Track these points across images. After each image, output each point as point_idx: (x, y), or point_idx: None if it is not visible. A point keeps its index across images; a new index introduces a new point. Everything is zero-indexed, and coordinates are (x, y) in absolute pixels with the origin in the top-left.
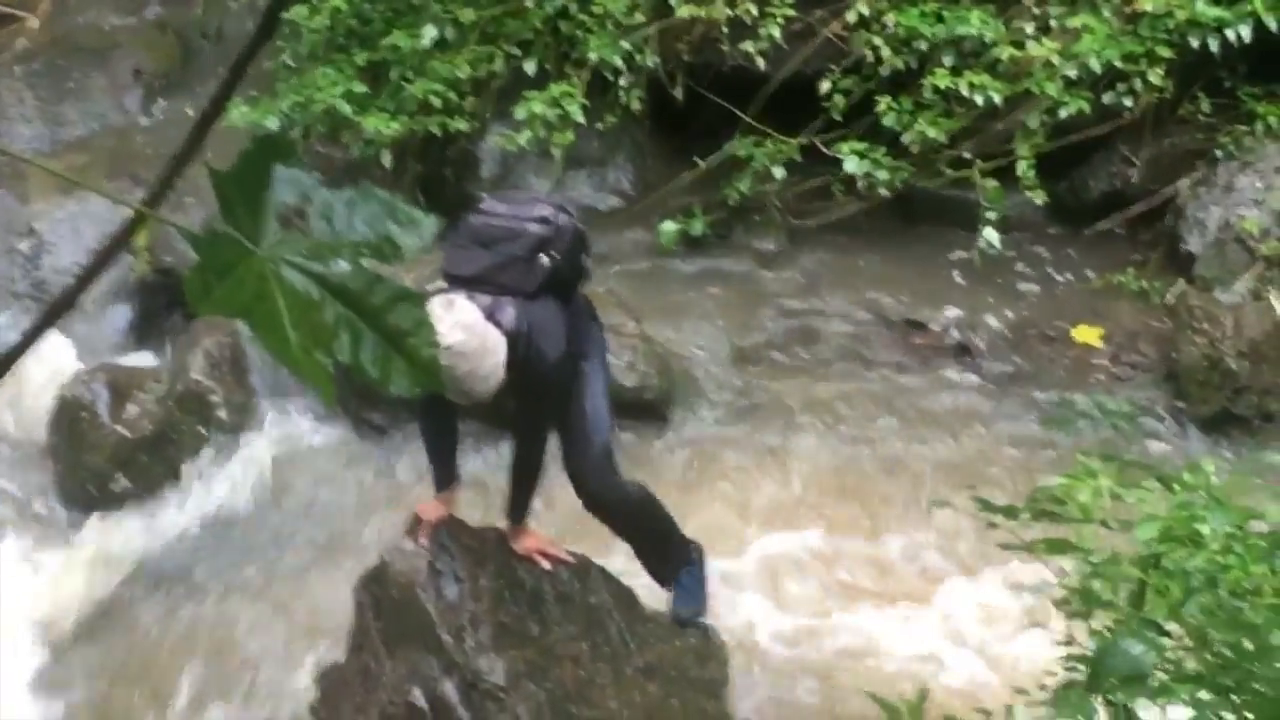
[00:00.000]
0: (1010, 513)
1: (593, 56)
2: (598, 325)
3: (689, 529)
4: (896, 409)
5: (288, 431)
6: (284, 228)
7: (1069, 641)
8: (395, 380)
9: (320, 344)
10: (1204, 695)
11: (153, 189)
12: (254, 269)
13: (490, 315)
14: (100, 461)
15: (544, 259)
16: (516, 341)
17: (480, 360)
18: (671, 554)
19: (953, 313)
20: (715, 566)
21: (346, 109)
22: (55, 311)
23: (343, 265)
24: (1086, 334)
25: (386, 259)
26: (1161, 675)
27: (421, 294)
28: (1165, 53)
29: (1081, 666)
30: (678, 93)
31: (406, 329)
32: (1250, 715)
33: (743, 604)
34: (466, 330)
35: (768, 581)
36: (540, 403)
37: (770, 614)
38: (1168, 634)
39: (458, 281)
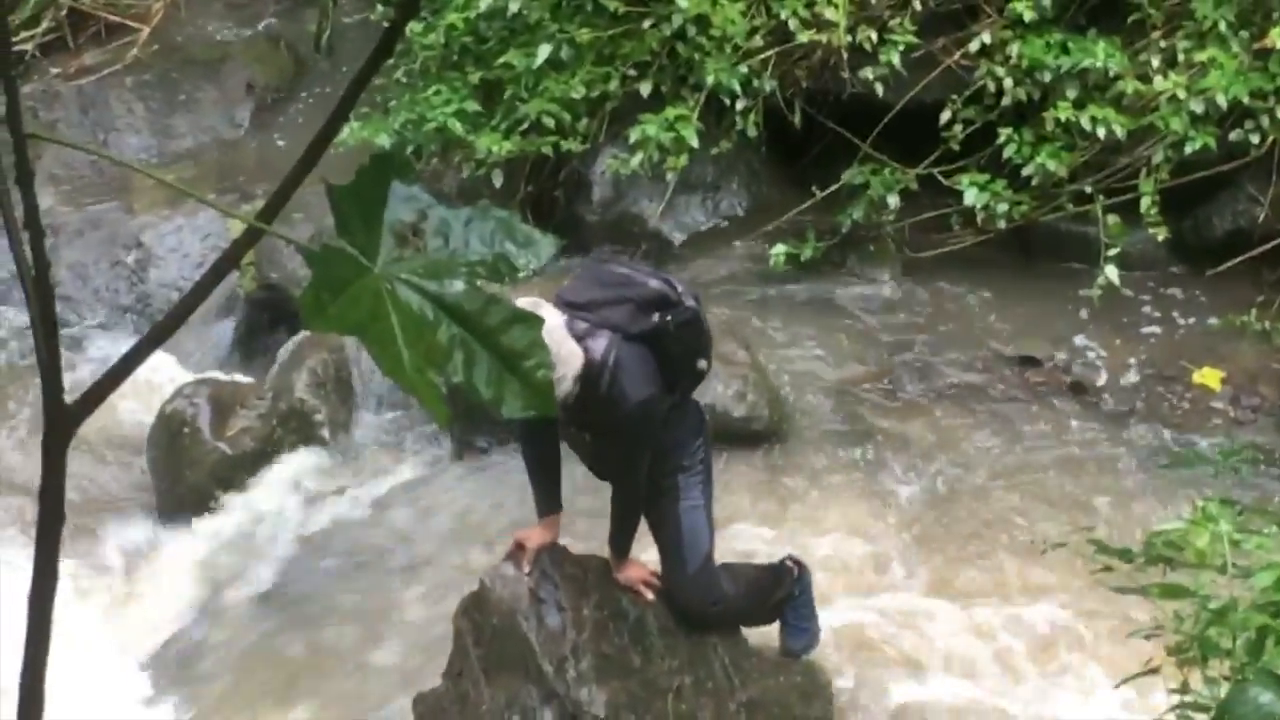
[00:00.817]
0: (1126, 556)
1: (709, 80)
2: (705, 441)
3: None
4: (1010, 447)
5: (390, 452)
6: (399, 245)
7: (1184, 690)
8: (509, 402)
9: (434, 364)
10: None
11: (269, 203)
12: (369, 286)
13: (581, 338)
14: (200, 477)
15: (655, 316)
16: (601, 372)
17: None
18: (776, 606)
19: (1070, 351)
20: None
21: (459, 128)
22: (164, 330)
23: (458, 285)
24: (1207, 376)
25: (502, 278)
26: None
27: (538, 318)
28: None
29: (1196, 716)
30: (795, 119)
31: (521, 350)
32: None
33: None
34: (548, 329)
35: (857, 616)
36: (627, 445)
37: (862, 656)
38: None
39: (565, 305)
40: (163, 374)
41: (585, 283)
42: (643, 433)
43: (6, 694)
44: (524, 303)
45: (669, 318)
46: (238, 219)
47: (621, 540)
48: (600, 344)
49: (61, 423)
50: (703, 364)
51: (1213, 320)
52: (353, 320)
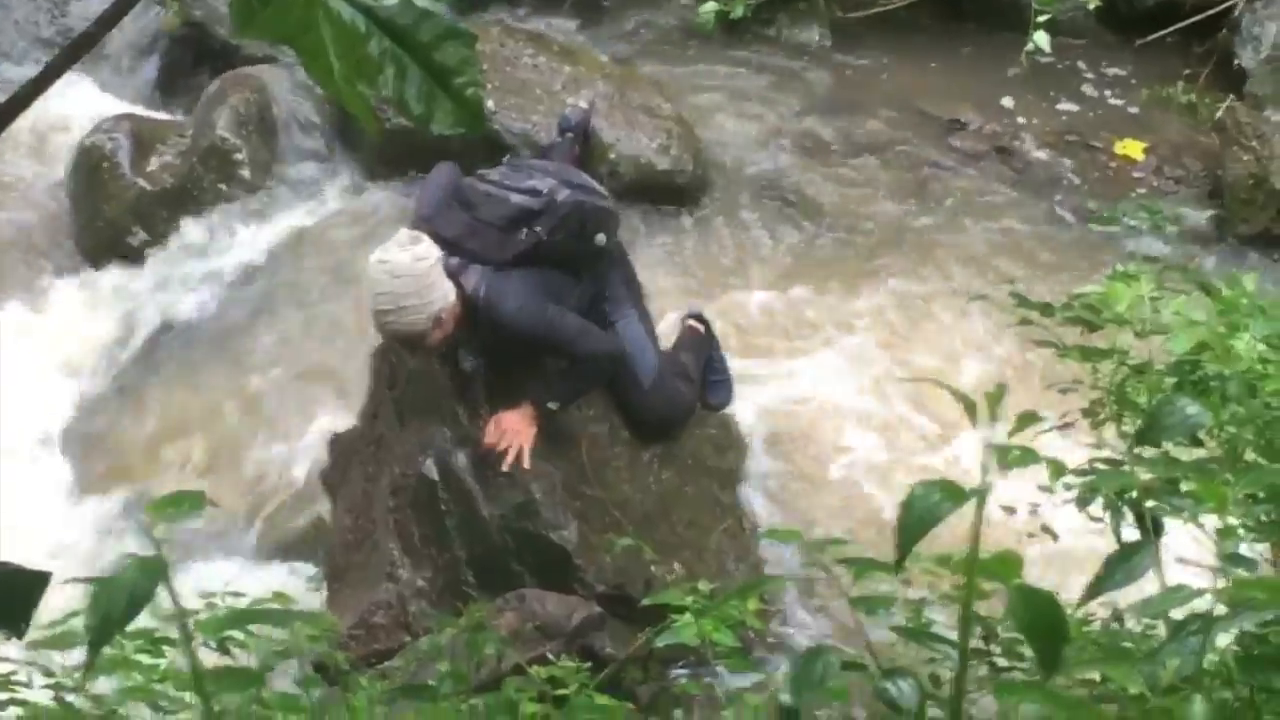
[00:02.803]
0: (1047, 311)
1: None
2: (631, 285)
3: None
4: (930, 204)
5: (311, 192)
6: None
7: (1098, 445)
8: (439, 118)
9: (364, 76)
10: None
11: None
12: None
13: (454, 275)
14: (119, 212)
15: (523, 233)
16: (475, 308)
17: (409, 293)
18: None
19: (996, 116)
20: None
21: None
22: (76, 50)
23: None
24: (1130, 147)
25: None
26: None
27: (471, 34)
28: None
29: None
30: None
31: (453, 66)
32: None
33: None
34: (413, 259)
35: (776, 370)
36: (541, 341)
37: (780, 401)
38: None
39: (437, 240)
40: (90, 111)
41: (450, 210)
42: (535, 332)
43: None
44: (407, 230)
45: (537, 228)
46: None
47: (561, 392)
48: (471, 279)
49: None
50: (600, 238)
51: (1140, 89)
52: (283, 28)
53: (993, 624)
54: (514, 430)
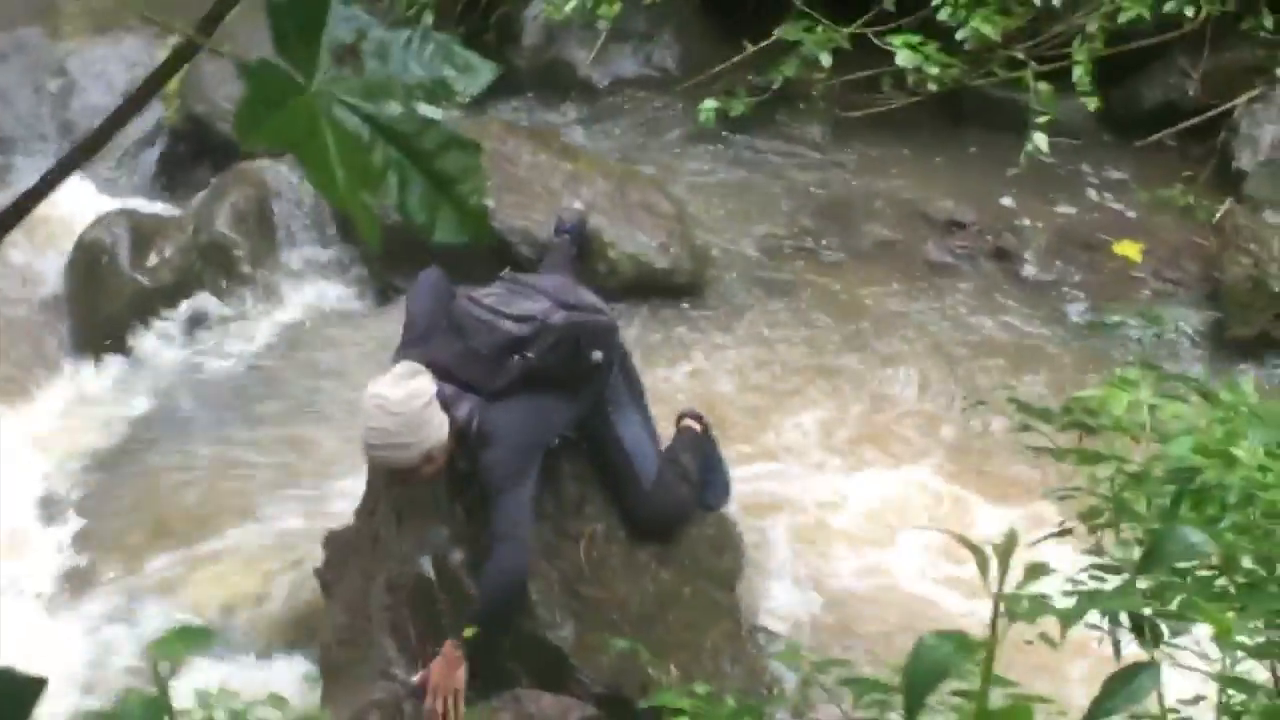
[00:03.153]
0: (1046, 416)
1: None
2: (632, 385)
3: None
4: (929, 304)
5: (311, 290)
6: (337, 65)
7: (1097, 551)
8: (442, 227)
9: (368, 185)
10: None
11: (205, 18)
12: (305, 105)
13: (446, 407)
14: (117, 308)
15: (514, 360)
16: (466, 438)
17: (402, 429)
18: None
19: (995, 216)
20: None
21: None
22: (85, 149)
23: (394, 107)
24: (1127, 248)
25: (440, 102)
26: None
27: (475, 143)
28: None
29: (1107, 577)
30: None
31: (456, 175)
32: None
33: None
34: (407, 395)
35: (773, 472)
36: (487, 499)
37: (776, 503)
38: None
39: (432, 367)
40: (88, 208)
41: (445, 335)
42: (496, 491)
43: None
44: (406, 364)
45: (529, 354)
46: (174, 31)
47: (474, 619)
48: (464, 409)
49: None
50: (597, 355)
51: (1139, 191)
52: (287, 137)
53: None
54: (442, 684)
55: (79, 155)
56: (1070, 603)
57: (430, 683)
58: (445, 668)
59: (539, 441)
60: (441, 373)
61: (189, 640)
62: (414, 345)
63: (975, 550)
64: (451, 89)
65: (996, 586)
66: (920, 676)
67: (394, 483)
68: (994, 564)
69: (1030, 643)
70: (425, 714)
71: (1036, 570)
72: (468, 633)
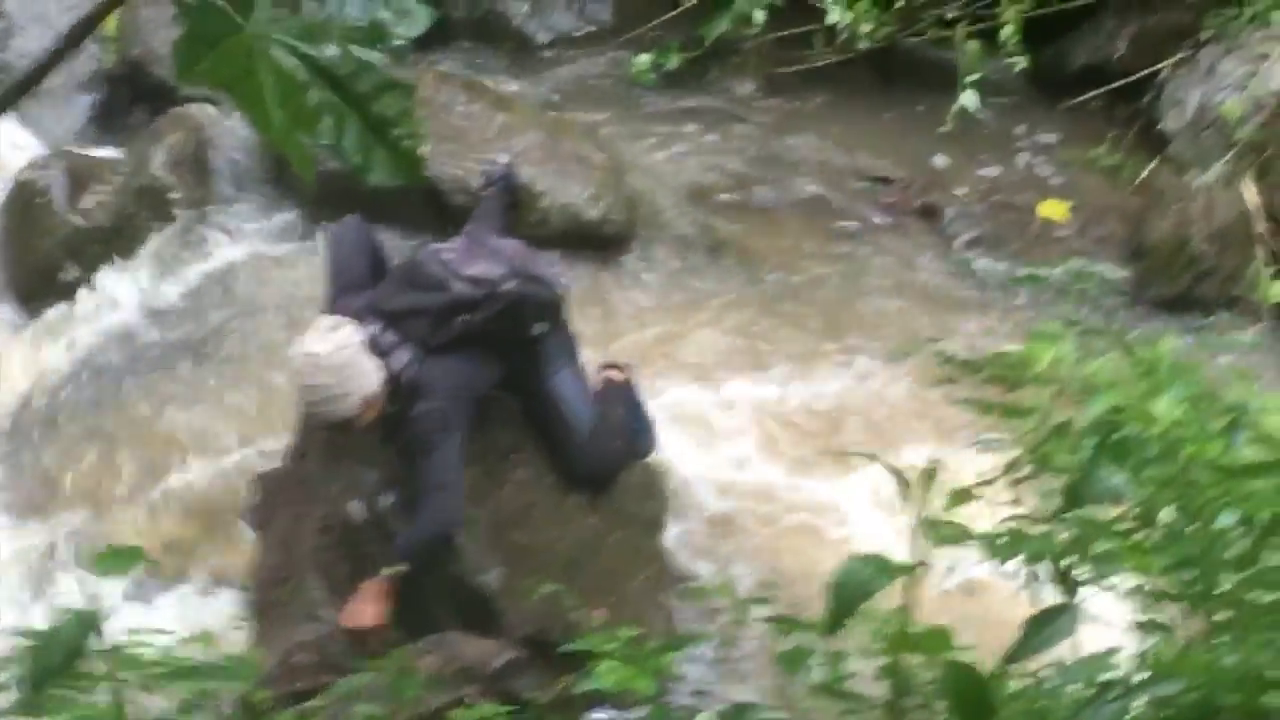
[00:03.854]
0: (970, 369)
1: None
2: (566, 343)
3: (628, 360)
4: (854, 259)
5: (244, 232)
6: (275, 6)
7: (1017, 502)
8: (376, 169)
9: (303, 125)
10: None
11: None
12: (242, 44)
13: (385, 354)
14: (52, 249)
15: (458, 320)
16: (398, 390)
17: (335, 382)
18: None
19: (922, 174)
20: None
21: None
22: (19, 88)
23: (331, 49)
24: (1053, 208)
25: (376, 46)
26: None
27: (410, 85)
28: None
29: (1031, 528)
30: None
31: (391, 118)
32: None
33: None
34: (335, 348)
35: (697, 417)
36: (417, 452)
37: (701, 458)
38: None
39: (375, 313)
40: (19, 149)
41: (396, 285)
42: (417, 441)
43: None
44: (327, 318)
45: (474, 317)
46: None
47: (400, 556)
48: (402, 359)
49: None
50: (539, 327)
51: (1065, 152)
52: (224, 75)
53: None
54: (363, 621)
55: (13, 94)
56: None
57: (350, 622)
58: (363, 605)
59: (470, 396)
60: (385, 319)
61: (122, 560)
62: (347, 293)
63: (896, 473)
64: (388, 33)
65: (917, 509)
66: (844, 594)
67: (336, 433)
68: (916, 488)
69: (949, 591)
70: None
71: (960, 496)
72: (389, 571)
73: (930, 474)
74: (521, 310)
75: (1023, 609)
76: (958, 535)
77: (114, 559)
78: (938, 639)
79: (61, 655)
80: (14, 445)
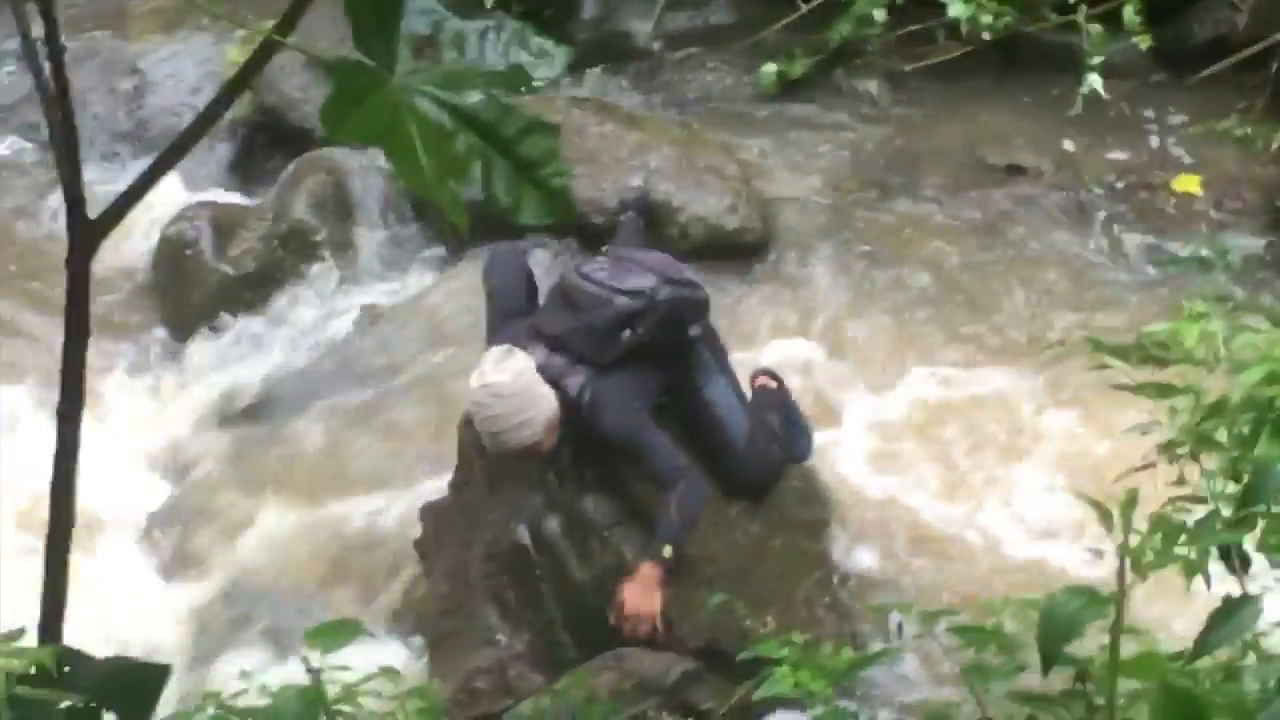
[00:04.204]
0: (1121, 353)
1: None
2: (716, 351)
3: (779, 366)
4: (994, 250)
5: (391, 269)
6: (416, 57)
7: (1180, 483)
8: (526, 209)
9: (453, 173)
10: None
11: (284, 18)
12: (387, 97)
13: (557, 380)
14: (204, 299)
15: (625, 334)
16: (577, 410)
17: (516, 410)
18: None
19: (1055, 159)
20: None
21: None
22: (178, 149)
23: (474, 95)
24: (1186, 182)
25: (518, 89)
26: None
27: (554, 125)
28: None
29: (1192, 507)
30: None
31: (537, 159)
32: None
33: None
34: (513, 376)
35: (857, 419)
36: (636, 459)
37: (864, 463)
38: None
39: (539, 337)
40: (168, 202)
41: (556, 308)
42: (623, 445)
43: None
44: (498, 348)
45: (639, 330)
46: (255, 31)
47: (671, 537)
48: (576, 381)
49: (86, 238)
50: (695, 330)
51: (1195, 125)
52: (372, 131)
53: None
54: (641, 608)
55: (172, 155)
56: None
57: (626, 608)
58: (641, 590)
59: (646, 405)
60: (553, 344)
61: (340, 633)
62: (514, 319)
63: (1098, 507)
64: (528, 75)
65: (1122, 542)
66: (1054, 630)
67: (521, 461)
68: (1117, 520)
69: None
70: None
71: (1160, 523)
72: (666, 551)
73: (1130, 503)
74: (680, 314)
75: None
76: (1164, 561)
77: (332, 633)
78: (1151, 664)
79: None
80: (170, 490)
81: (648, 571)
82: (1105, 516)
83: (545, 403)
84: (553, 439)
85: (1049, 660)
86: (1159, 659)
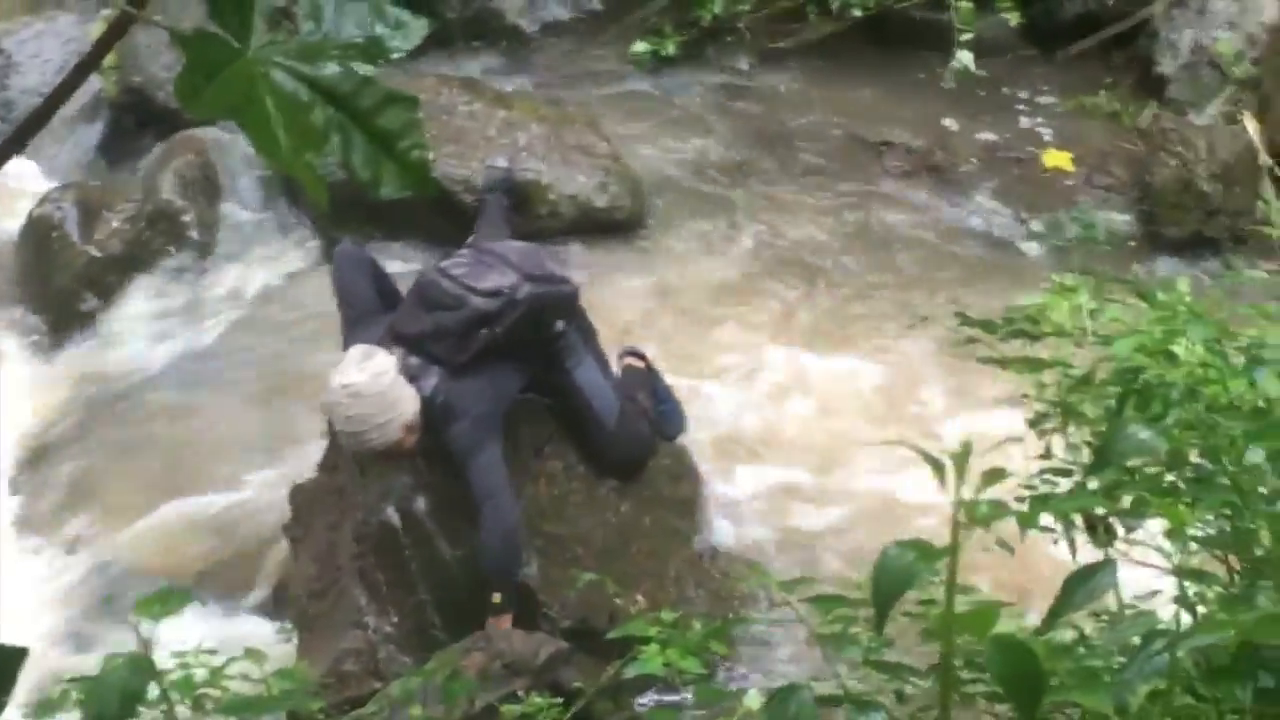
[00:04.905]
0: (989, 328)
1: None
2: (586, 333)
3: (652, 342)
4: (865, 225)
5: (258, 252)
6: (271, 29)
7: (1047, 455)
8: (386, 182)
9: (310, 146)
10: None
11: None
12: (243, 70)
13: (413, 379)
14: (69, 281)
15: (482, 333)
16: (431, 410)
17: (376, 411)
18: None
19: (925, 135)
20: (675, 383)
21: None
22: (32, 125)
23: (331, 67)
24: (1057, 158)
25: (375, 61)
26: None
27: (413, 98)
28: None
29: (1059, 480)
30: None
31: (396, 131)
32: (1225, 529)
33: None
34: (372, 377)
35: (726, 395)
36: (460, 470)
37: (726, 432)
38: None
39: (396, 339)
40: (28, 182)
41: (414, 308)
42: (461, 455)
43: None
44: (358, 348)
45: (496, 329)
46: (117, 9)
47: (495, 576)
48: (430, 382)
49: None
50: (559, 325)
51: (1064, 101)
52: (227, 103)
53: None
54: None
55: (22, 134)
56: (1025, 507)
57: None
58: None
59: (499, 408)
60: (409, 345)
61: (169, 602)
62: (362, 320)
63: (931, 460)
64: (386, 47)
65: (954, 494)
66: (886, 586)
67: (381, 462)
68: (951, 472)
69: (988, 550)
70: None
71: (993, 475)
72: (496, 598)
73: (964, 455)
74: (540, 312)
75: (1058, 562)
76: (997, 515)
77: (161, 602)
78: (985, 617)
79: (118, 703)
80: (40, 473)
81: (493, 622)
82: (938, 470)
83: (405, 404)
84: (412, 440)
85: (882, 615)
86: (992, 612)
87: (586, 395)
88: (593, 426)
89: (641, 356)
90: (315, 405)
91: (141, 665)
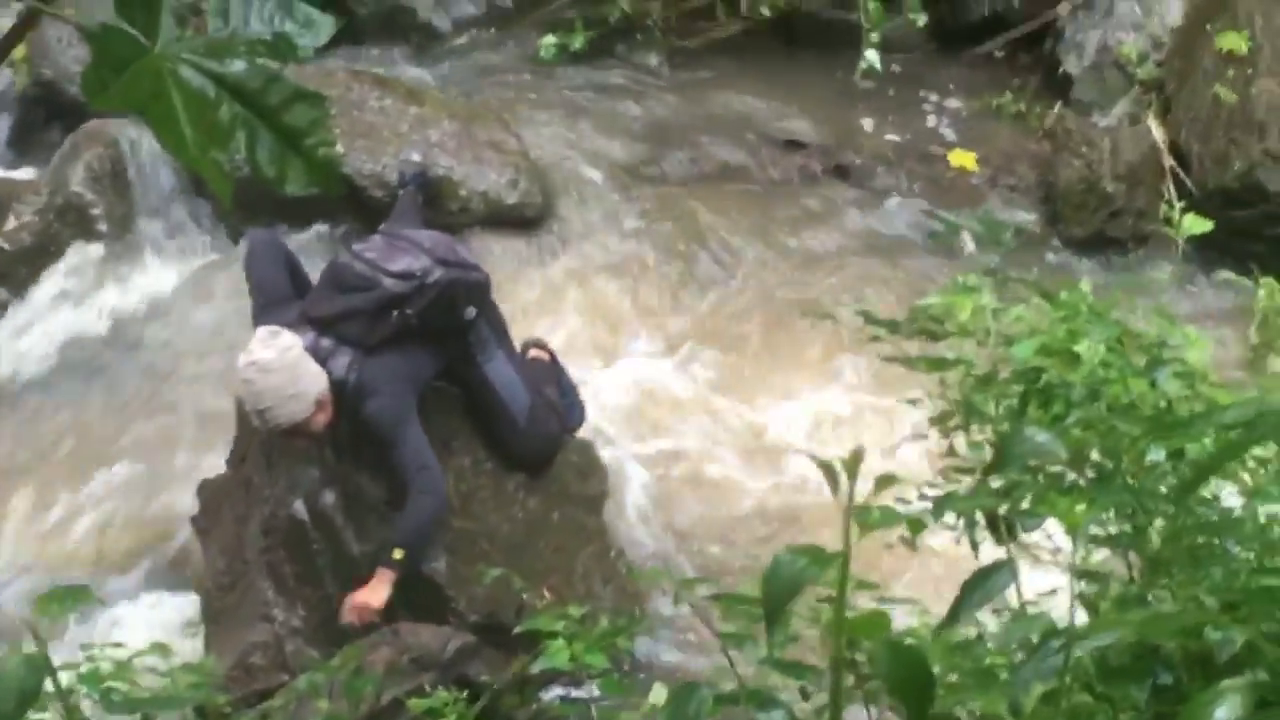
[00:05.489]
0: (893, 327)
1: None
2: (497, 328)
3: (557, 337)
4: (771, 223)
5: (168, 245)
6: (179, 25)
7: (949, 454)
8: (292, 179)
9: (217, 142)
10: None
11: None
12: (150, 66)
13: (324, 361)
14: None
15: (394, 315)
16: (343, 392)
17: (283, 385)
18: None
19: (833, 134)
20: (581, 377)
21: None
22: None
23: (238, 64)
24: (962, 157)
25: (283, 58)
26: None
27: (321, 95)
28: None
29: (962, 477)
30: None
31: (303, 128)
32: (1127, 528)
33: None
34: (279, 353)
35: (632, 392)
36: (386, 447)
37: (633, 427)
38: None
39: (309, 321)
40: None
41: (326, 290)
42: (381, 432)
43: None
44: (265, 328)
45: (408, 311)
46: (26, 4)
47: (404, 541)
48: (342, 362)
49: None
50: (470, 311)
51: (970, 101)
52: (134, 98)
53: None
54: (367, 600)
55: None
56: (924, 507)
57: (354, 599)
58: (369, 589)
59: (413, 389)
60: (320, 326)
61: (70, 599)
62: (273, 306)
63: (824, 466)
64: (294, 44)
65: (846, 500)
66: (778, 590)
67: (291, 439)
68: (843, 478)
69: (890, 547)
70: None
71: (885, 481)
72: (398, 554)
73: (855, 460)
74: (452, 297)
75: (962, 559)
76: (888, 520)
77: (61, 600)
78: (876, 623)
79: (13, 703)
80: None
81: (380, 573)
82: (831, 475)
83: (313, 379)
84: (324, 417)
85: (772, 619)
86: (884, 616)
87: (499, 392)
88: (504, 424)
89: (545, 348)
90: (224, 397)
91: (37, 663)
